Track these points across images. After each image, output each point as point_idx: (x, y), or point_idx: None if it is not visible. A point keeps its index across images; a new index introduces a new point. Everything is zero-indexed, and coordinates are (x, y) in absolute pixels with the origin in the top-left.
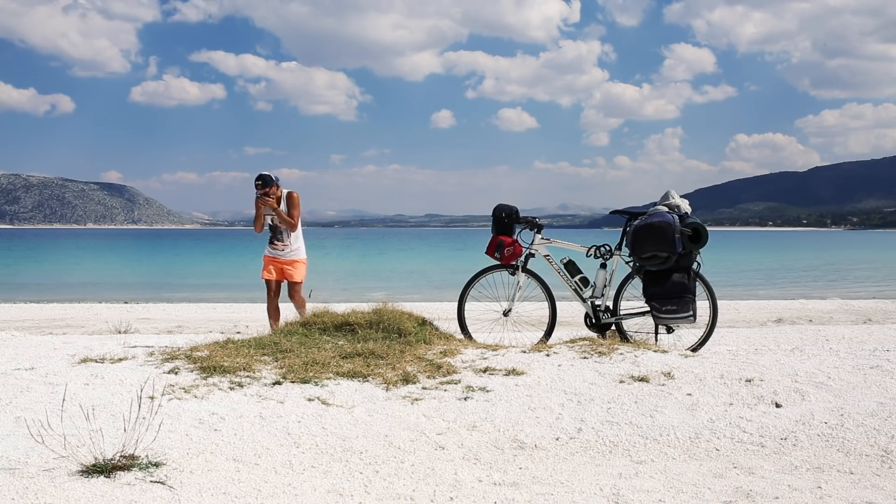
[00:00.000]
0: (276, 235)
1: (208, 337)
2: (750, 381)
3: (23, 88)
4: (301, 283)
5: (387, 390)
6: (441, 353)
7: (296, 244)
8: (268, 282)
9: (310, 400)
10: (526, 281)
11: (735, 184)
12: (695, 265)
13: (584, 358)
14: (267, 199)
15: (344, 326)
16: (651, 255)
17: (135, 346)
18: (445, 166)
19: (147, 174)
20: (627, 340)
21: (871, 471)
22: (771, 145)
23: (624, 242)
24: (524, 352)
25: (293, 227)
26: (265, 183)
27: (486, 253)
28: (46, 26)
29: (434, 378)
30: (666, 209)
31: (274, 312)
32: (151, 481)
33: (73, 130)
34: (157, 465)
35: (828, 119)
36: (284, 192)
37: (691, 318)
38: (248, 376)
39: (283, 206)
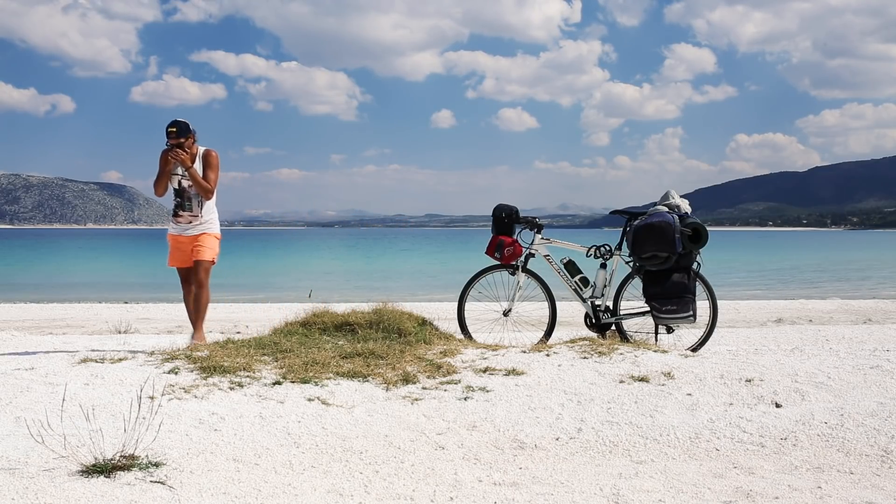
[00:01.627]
0: (182, 203)
1: (208, 337)
2: (750, 381)
3: (23, 88)
4: (211, 262)
5: (387, 390)
6: (441, 353)
7: (207, 216)
8: (178, 270)
9: (310, 400)
10: (526, 281)
11: (735, 184)
12: (695, 265)
13: (584, 358)
14: (179, 151)
15: (344, 326)
16: (651, 255)
17: (135, 346)
18: (445, 166)
19: (147, 174)
20: (627, 340)
21: (871, 471)
22: (771, 145)
23: (624, 242)
24: (524, 352)
25: (208, 195)
26: (180, 131)
27: (486, 253)
28: (46, 26)
29: (434, 378)
30: (666, 209)
31: (191, 307)
32: (151, 481)
33: (73, 130)
34: (157, 465)
35: (828, 119)
36: (202, 149)
37: (691, 318)
38: (248, 376)
39: (197, 165)
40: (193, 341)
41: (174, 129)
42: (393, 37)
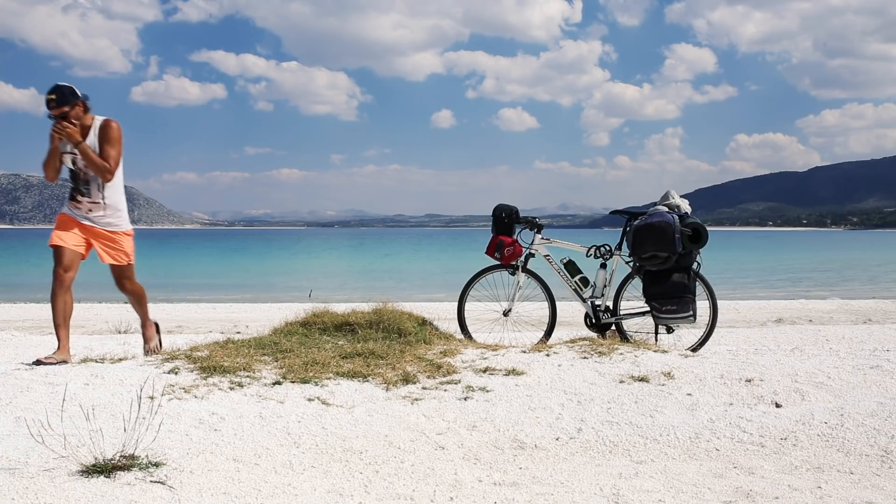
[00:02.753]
0: (79, 188)
1: (208, 337)
2: (750, 381)
3: (23, 88)
4: (133, 264)
5: (387, 390)
6: (441, 353)
7: (114, 205)
8: (58, 250)
9: (310, 400)
10: (526, 281)
11: (735, 184)
12: (695, 265)
13: (584, 358)
14: (65, 125)
15: (344, 326)
16: (651, 255)
17: (135, 346)
18: (445, 166)
19: (147, 174)
20: (627, 340)
21: (871, 471)
22: (771, 145)
23: (624, 242)
24: (524, 352)
25: (106, 175)
26: (61, 99)
27: (486, 253)
28: (46, 26)
29: (434, 378)
30: (666, 209)
31: (62, 306)
32: (151, 481)
33: None
34: (157, 465)
35: (828, 119)
36: (98, 120)
37: (691, 318)
38: (248, 376)
39: (91, 140)
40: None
41: (53, 97)
42: (393, 37)
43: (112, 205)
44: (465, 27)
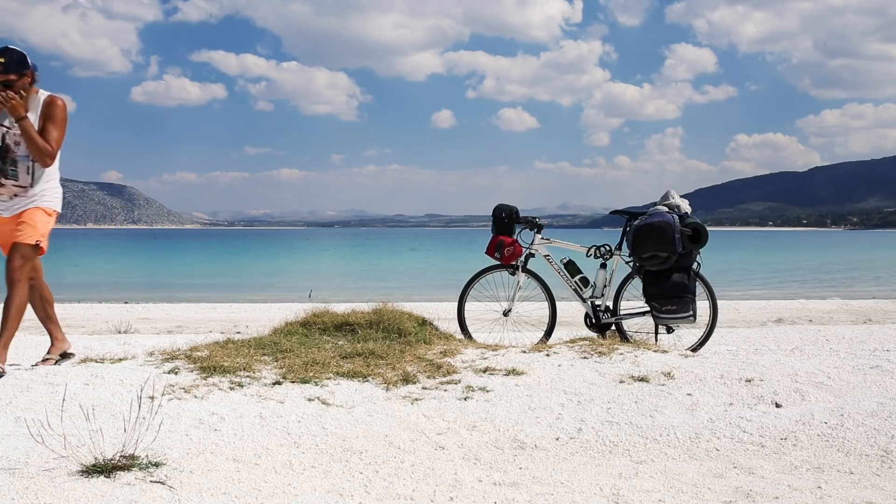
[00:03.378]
0: (5, 169)
1: (208, 337)
2: (750, 381)
3: None
4: (36, 246)
5: (387, 390)
6: (441, 353)
7: (41, 190)
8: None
9: (310, 400)
10: (526, 281)
11: (735, 184)
12: (695, 265)
13: (584, 358)
14: (10, 94)
15: (344, 326)
16: (651, 255)
17: (135, 346)
18: (445, 166)
19: (147, 174)
20: (627, 340)
21: (871, 471)
22: (771, 145)
23: (624, 242)
24: (524, 352)
25: (46, 159)
26: (10, 64)
27: (486, 253)
28: (46, 26)
29: (434, 378)
30: (666, 209)
31: (39, 304)
32: (151, 481)
33: (73, 130)
34: (157, 465)
35: (828, 119)
36: (43, 95)
37: (691, 318)
38: (248, 376)
39: (33, 117)
40: (62, 352)
41: (2, 60)
42: (393, 37)
43: (39, 189)
44: (465, 27)
